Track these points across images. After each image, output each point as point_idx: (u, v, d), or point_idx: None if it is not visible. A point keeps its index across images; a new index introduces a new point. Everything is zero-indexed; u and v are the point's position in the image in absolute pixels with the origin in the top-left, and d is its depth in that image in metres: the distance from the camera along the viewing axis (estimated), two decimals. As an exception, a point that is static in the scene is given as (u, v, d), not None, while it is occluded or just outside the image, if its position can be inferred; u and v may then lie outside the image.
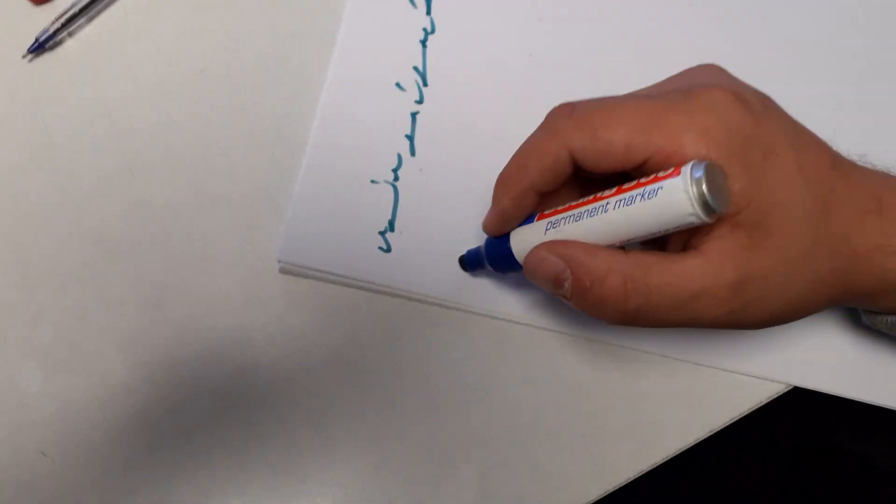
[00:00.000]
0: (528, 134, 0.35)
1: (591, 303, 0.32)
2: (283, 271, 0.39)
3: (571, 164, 0.33)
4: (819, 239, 0.32)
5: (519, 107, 0.42)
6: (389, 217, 0.40)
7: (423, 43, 0.42)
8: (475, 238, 0.40)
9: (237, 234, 0.39)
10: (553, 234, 0.33)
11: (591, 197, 0.32)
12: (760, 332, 0.41)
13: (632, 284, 0.31)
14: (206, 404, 0.38)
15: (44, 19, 0.40)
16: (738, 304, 0.32)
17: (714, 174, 0.28)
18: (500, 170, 0.35)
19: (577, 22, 0.43)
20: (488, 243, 0.37)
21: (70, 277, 0.38)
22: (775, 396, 0.41)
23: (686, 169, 0.28)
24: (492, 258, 0.37)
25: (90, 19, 0.41)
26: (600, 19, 0.43)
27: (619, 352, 0.41)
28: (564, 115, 0.33)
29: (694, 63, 0.35)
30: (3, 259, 0.38)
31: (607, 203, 0.31)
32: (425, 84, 0.42)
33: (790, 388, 0.41)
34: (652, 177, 0.30)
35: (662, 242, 0.34)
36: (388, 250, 0.40)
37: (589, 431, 0.40)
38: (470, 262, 0.39)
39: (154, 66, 0.41)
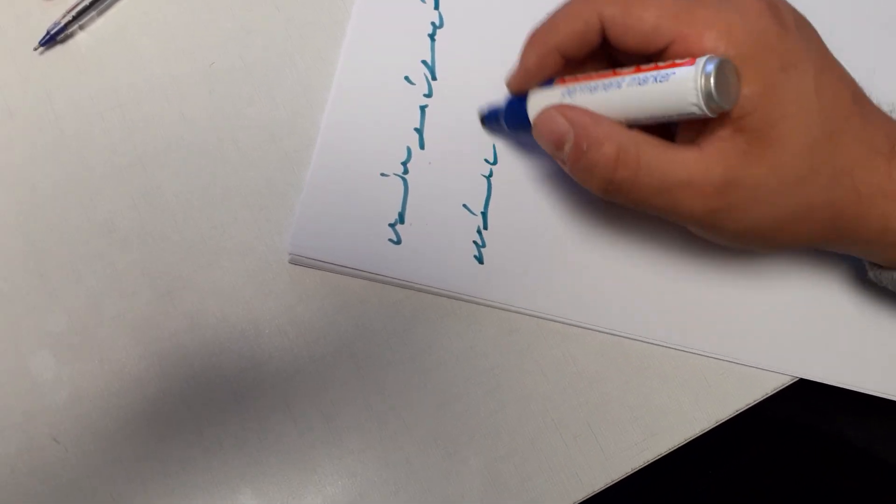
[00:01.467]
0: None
1: (583, 166, 0.33)
2: (292, 262, 0.40)
3: (600, 34, 0.34)
4: (820, 165, 0.32)
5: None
6: (399, 209, 0.40)
7: (432, 37, 0.42)
8: (484, 231, 0.41)
9: (247, 226, 0.40)
10: (567, 101, 0.35)
11: (609, 71, 0.33)
12: (768, 321, 0.41)
13: (624, 156, 0.32)
14: (217, 394, 0.38)
15: (55, 13, 0.40)
16: (720, 204, 0.32)
17: (726, 71, 0.29)
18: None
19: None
20: (508, 101, 0.39)
21: (82, 267, 0.38)
22: (781, 388, 0.41)
23: (700, 60, 0.29)
24: (508, 114, 0.39)
25: (101, 12, 0.41)
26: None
27: (626, 343, 0.41)
28: None
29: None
30: (16, 248, 0.38)
31: (623, 80, 0.32)
32: (434, 78, 0.42)
33: (796, 379, 0.41)
34: (669, 62, 0.31)
35: (671, 138, 0.35)
36: (399, 242, 0.40)
37: (596, 422, 0.40)
38: (488, 118, 0.41)
39: (164, 58, 0.41)
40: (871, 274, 0.39)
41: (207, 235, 0.39)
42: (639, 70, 0.32)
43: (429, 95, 0.42)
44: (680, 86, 0.30)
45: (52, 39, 0.40)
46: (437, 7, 0.43)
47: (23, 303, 0.38)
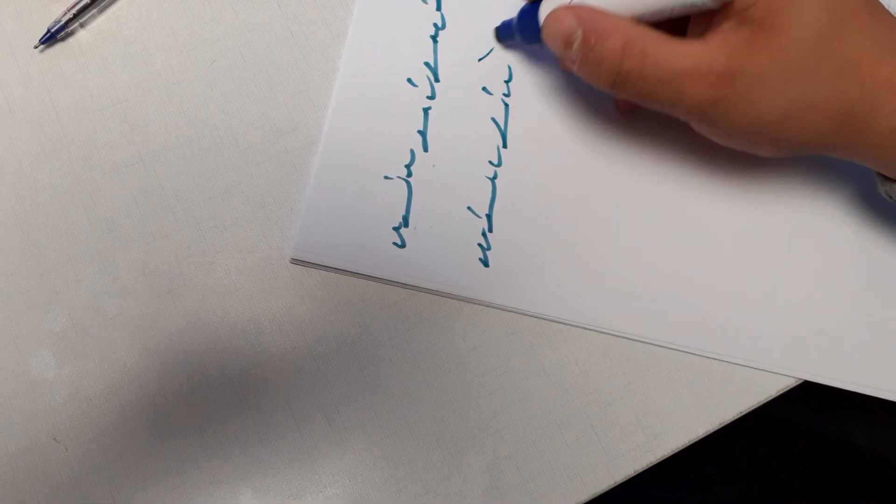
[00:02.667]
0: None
1: (592, 60, 0.34)
2: (294, 262, 0.39)
3: None
4: (825, 56, 0.33)
5: (530, 102, 0.42)
6: (403, 213, 0.40)
7: (434, 38, 0.42)
8: (489, 233, 0.40)
9: (248, 224, 0.39)
10: (578, 1, 0.35)
11: None
12: (774, 323, 0.41)
13: (630, 47, 0.33)
14: (218, 393, 0.38)
15: (55, 10, 0.40)
16: (724, 93, 0.33)
17: None
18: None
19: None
20: (521, 10, 0.40)
21: (83, 265, 0.38)
22: (786, 390, 0.41)
23: None
24: (521, 23, 0.40)
25: (102, 10, 0.41)
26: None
27: (629, 344, 0.41)
28: None
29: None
30: (16, 246, 0.38)
31: None
32: (437, 79, 0.42)
33: (801, 381, 0.41)
34: None
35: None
36: (403, 246, 0.40)
37: (599, 423, 0.40)
38: (502, 30, 0.42)
39: (166, 56, 0.41)
40: (881, 189, 0.38)
41: (208, 234, 0.39)
42: None
43: (431, 97, 0.42)
44: None
45: (52, 37, 0.40)
46: (438, 8, 0.43)
47: (23, 301, 0.37)
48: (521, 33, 0.40)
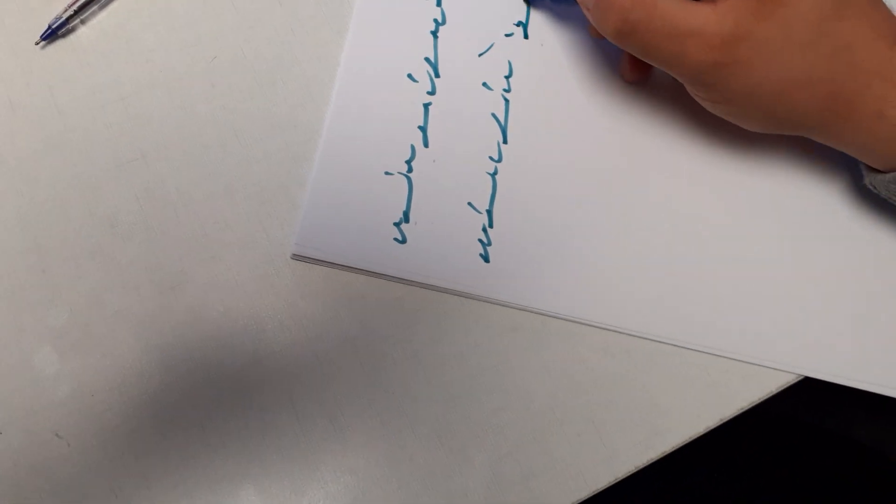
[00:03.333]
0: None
1: (603, 8, 0.35)
2: (295, 258, 0.39)
3: None
4: (825, 34, 0.34)
5: (531, 97, 0.42)
6: (404, 208, 0.40)
7: (435, 34, 0.42)
8: (490, 229, 0.40)
9: (249, 220, 0.39)
10: None
11: None
12: (774, 319, 0.41)
13: None
14: (219, 390, 0.38)
15: (56, 6, 0.40)
16: (726, 58, 0.34)
17: None
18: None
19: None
20: None
21: (85, 261, 0.38)
22: (786, 386, 0.41)
23: None
24: None
25: (102, 6, 0.41)
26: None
27: (630, 340, 0.41)
28: None
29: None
30: (18, 242, 0.38)
31: None
32: (437, 75, 0.42)
33: (802, 377, 0.41)
34: None
35: None
36: (404, 241, 0.40)
37: (600, 419, 0.40)
38: None
39: (167, 52, 0.41)
40: (866, 179, 0.39)
41: (209, 230, 0.39)
42: None
43: (432, 93, 0.42)
44: None
45: (53, 33, 0.40)
46: (439, 4, 0.43)
47: (25, 298, 0.37)
48: None
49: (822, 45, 0.34)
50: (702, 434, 0.40)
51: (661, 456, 0.40)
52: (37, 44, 0.40)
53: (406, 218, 0.40)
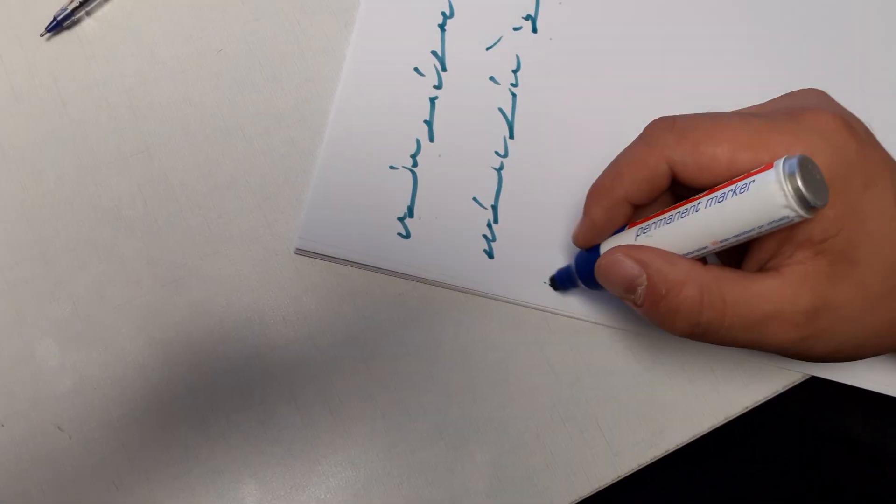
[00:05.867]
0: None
1: (664, 311, 0.31)
2: (298, 253, 0.39)
3: (669, 178, 0.32)
4: None
5: (538, 92, 0.42)
6: (408, 203, 0.40)
7: (442, 27, 0.42)
8: (494, 224, 0.40)
9: (253, 214, 0.39)
10: (643, 240, 0.32)
11: (682, 202, 0.31)
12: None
13: (708, 297, 0.31)
14: (221, 383, 0.38)
15: (62, -2, 0.40)
16: (810, 332, 0.31)
17: (808, 168, 0.27)
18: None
19: (598, 4, 0.43)
20: (579, 257, 0.37)
21: (88, 254, 0.38)
22: (791, 385, 0.41)
23: (779, 162, 0.27)
24: (582, 271, 0.36)
25: (108, -2, 0.41)
26: (621, 3, 0.43)
27: (634, 338, 0.40)
28: (665, 128, 0.32)
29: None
30: (22, 235, 0.38)
31: (699, 203, 0.30)
32: (444, 69, 0.42)
33: (807, 377, 0.41)
34: (743, 174, 0.29)
35: (739, 262, 0.33)
36: (408, 236, 0.40)
37: (603, 417, 0.40)
38: (560, 281, 0.39)
39: (171, 45, 0.41)
40: None
41: (213, 223, 0.39)
42: (713, 191, 0.30)
43: (438, 87, 0.41)
44: (764, 191, 0.28)
45: (58, 25, 0.40)
46: (447, -4, 0.42)
47: (28, 290, 0.38)
48: (585, 283, 0.37)
49: None
50: (706, 433, 0.40)
51: (665, 454, 0.40)
52: (42, 35, 0.40)
53: (410, 213, 0.40)
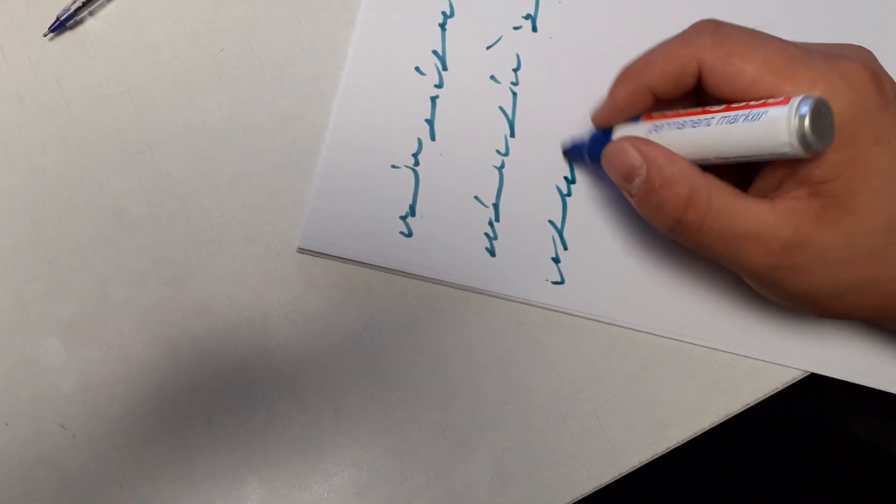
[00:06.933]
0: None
1: (653, 204, 0.33)
2: (301, 252, 0.39)
3: (696, 78, 0.33)
4: (893, 241, 0.32)
5: (538, 90, 0.42)
6: (410, 202, 0.40)
7: (443, 27, 0.42)
8: (496, 222, 0.40)
9: (255, 213, 0.40)
10: (653, 136, 0.34)
11: (698, 109, 0.33)
12: (780, 316, 0.41)
13: (696, 198, 0.32)
14: (224, 382, 0.38)
15: (65, -2, 0.40)
16: (784, 262, 0.32)
17: (821, 111, 0.28)
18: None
19: (598, 3, 0.43)
20: (593, 136, 0.39)
21: (91, 253, 0.38)
22: (792, 383, 0.41)
23: (795, 100, 0.29)
24: (592, 149, 0.38)
25: (111, -2, 0.41)
26: (621, 1, 0.43)
27: (636, 335, 0.41)
28: (706, 31, 0.33)
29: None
30: (24, 234, 0.38)
31: (712, 117, 0.32)
32: (445, 68, 0.42)
33: (807, 374, 0.41)
34: (761, 101, 0.30)
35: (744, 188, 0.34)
36: (410, 235, 0.40)
37: (604, 414, 0.40)
38: (571, 153, 0.41)
39: (174, 44, 0.41)
40: None
41: (216, 222, 0.39)
42: (728, 109, 0.31)
43: (439, 86, 0.41)
44: (773, 125, 0.29)
45: (61, 25, 0.40)
46: (447, -5, 0.43)
47: (31, 289, 0.38)
48: (592, 159, 0.39)
49: (889, 251, 0.32)
50: (706, 430, 0.40)
51: (666, 451, 0.40)
52: (45, 35, 0.40)
53: (412, 211, 0.40)
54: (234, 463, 0.38)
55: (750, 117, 0.30)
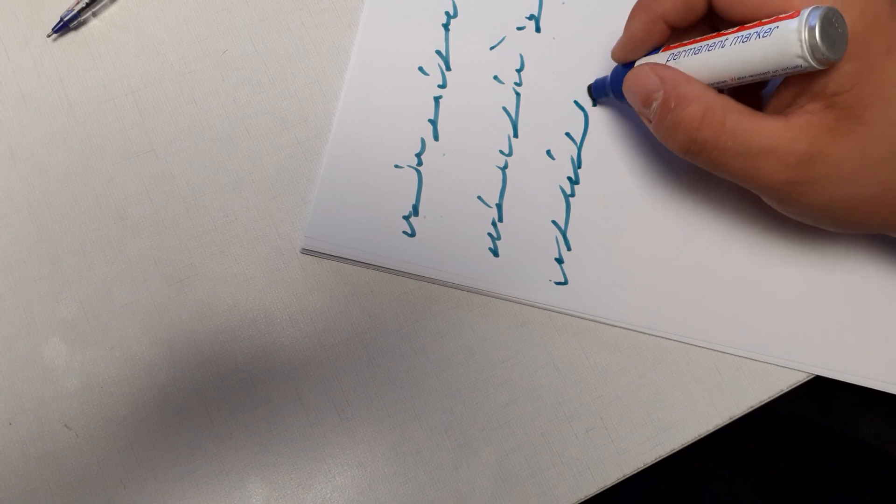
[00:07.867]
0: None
1: (668, 125, 0.34)
2: (304, 252, 0.39)
3: (706, 3, 0.34)
4: None
5: (542, 91, 0.42)
6: (413, 202, 0.40)
7: (446, 27, 0.42)
8: (499, 223, 0.40)
9: (259, 213, 0.40)
10: (672, 65, 0.35)
11: (713, 34, 0.34)
12: (785, 318, 0.41)
13: (709, 117, 0.32)
14: (227, 382, 0.38)
15: (68, -1, 0.40)
16: (800, 176, 0.32)
17: (832, 20, 0.29)
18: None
19: (601, 5, 0.43)
20: (615, 70, 0.39)
21: (94, 254, 0.38)
22: (796, 385, 0.41)
23: (804, 11, 0.29)
24: (614, 84, 0.39)
25: (114, 0, 0.41)
26: (624, 2, 0.43)
27: (640, 337, 0.40)
28: None
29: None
30: (28, 235, 0.38)
31: (726, 39, 0.32)
32: (448, 68, 0.42)
33: (812, 376, 0.41)
34: (773, 17, 0.31)
35: (761, 108, 0.35)
36: (413, 235, 0.40)
37: (608, 416, 0.40)
38: (595, 90, 0.41)
39: (177, 45, 0.41)
40: None
41: (219, 223, 0.39)
42: (742, 28, 0.32)
43: (443, 86, 0.41)
44: (784, 39, 0.29)
45: (65, 26, 0.40)
46: (451, -4, 0.43)
47: (35, 289, 0.38)
48: (615, 94, 0.39)
49: None
50: (711, 432, 0.40)
51: (670, 453, 0.40)
52: (49, 36, 0.40)
53: (415, 211, 0.40)
54: (238, 463, 0.38)
55: (762, 34, 0.30)
